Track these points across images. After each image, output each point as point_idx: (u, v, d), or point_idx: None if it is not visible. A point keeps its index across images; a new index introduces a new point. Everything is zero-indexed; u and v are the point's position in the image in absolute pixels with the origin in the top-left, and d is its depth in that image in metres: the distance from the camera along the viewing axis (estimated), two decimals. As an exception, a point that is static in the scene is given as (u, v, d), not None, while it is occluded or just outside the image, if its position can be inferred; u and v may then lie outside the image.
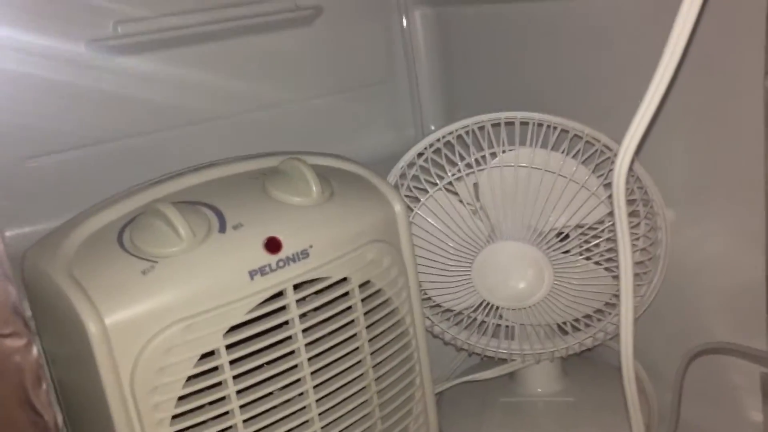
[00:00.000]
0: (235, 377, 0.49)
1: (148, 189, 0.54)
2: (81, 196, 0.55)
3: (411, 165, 0.65)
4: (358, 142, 0.90)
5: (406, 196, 0.64)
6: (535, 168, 0.59)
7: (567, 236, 0.63)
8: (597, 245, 0.62)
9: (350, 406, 0.55)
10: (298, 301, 0.51)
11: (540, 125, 0.61)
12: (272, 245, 0.50)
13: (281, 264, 0.50)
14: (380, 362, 0.57)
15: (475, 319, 0.66)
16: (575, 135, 0.60)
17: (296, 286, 0.51)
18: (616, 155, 0.45)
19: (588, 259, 0.62)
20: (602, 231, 0.62)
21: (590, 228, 0.62)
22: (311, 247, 0.52)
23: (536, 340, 0.67)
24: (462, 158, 0.62)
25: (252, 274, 0.49)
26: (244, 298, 0.49)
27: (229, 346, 0.48)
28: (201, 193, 0.53)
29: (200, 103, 0.70)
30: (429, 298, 0.66)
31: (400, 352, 0.59)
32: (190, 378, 0.48)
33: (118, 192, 0.54)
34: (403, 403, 0.59)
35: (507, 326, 0.67)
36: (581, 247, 0.62)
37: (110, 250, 0.48)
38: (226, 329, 0.48)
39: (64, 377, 0.52)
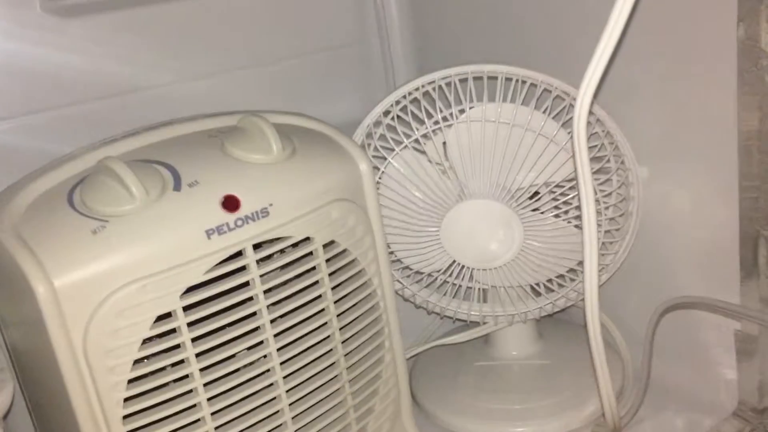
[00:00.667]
0: (193, 340, 0.47)
1: (101, 148, 0.52)
2: (28, 165, 0.52)
3: (377, 124, 0.63)
4: (327, 106, 0.88)
5: (374, 156, 0.62)
6: (503, 123, 0.57)
7: (537, 194, 0.62)
8: (567, 203, 0.61)
9: (316, 369, 0.54)
10: (258, 261, 0.49)
11: (509, 79, 0.59)
12: (230, 203, 0.48)
13: (239, 223, 0.48)
14: (346, 325, 0.56)
15: (445, 281, 0.65)
16: (544, 90, 0.59)
17: (256, 246, 0.49)
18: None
19: (558, 217, 0.61)
20: (572, 188, 0.60)
21: (559, 185, 0.60)
22: (271, 205, 0.50)
23: (509, 302, 0.66)
24: (429, 116, 0.60)
25: (209, 233, 0.47)
26: (201, 258, 0.47)
27: (186, 308, 0.47)
28: (156, 152, 0.51)
29: (158, 68, 0.68)
30: (398, 260, 0.65)
31: (367, 314, 0.57)
32: (146, 341, 0.46)
33: (69, 152, 0.52)
34: (371, 367, 0.58)
35: (478, 288, 0.65)
36: (551, 204, 0.61)
37: (60, 210, 0.46)
38: (183, 290, 0.47)
39: (17, 341, 0.51)
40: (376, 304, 0.58)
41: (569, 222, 0.61)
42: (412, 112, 0.61)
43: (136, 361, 0.46)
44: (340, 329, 0.55)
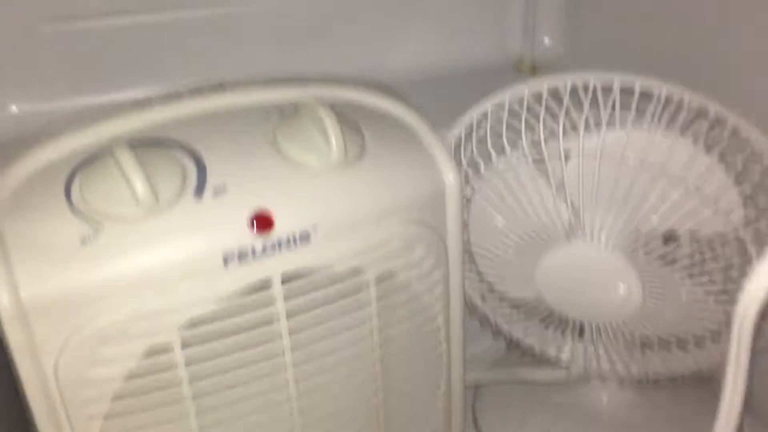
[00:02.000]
0: (192, 379, 0.39)
1: (129, 113, 0.42)
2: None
3: (481, 121, 0.49)
4: (441, 46, 0.75)
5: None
6: (651, 162, 0.43)
7: (674, 240, 0.47)
8: (711, 260, 0.46)
9: (344, 419, 0.44)
10: (287, 294, 0.39)
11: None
12: (261, 222, 0.38)
13: (269, 249, 0.38)
14: (394, 367, 0.45)
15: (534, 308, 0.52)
16: (717, 122, 0.43)
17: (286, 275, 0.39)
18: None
19: (692, 277, 0.46)
20: (723, 245, 0.46)
21: (705, 239, 0.46)
22: (315, 227, 0.39)
23: (607, 354, 0.53)
24: (553, 119, 0.46)
25: (227, 259, 0.37)
26: (212, 287, 0.37)
27: (186, 342, 0.38)
28: (190, 130, 0.41)
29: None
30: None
31: (423, 357, 0.47)
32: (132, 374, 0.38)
33: (92, 113, 0.42)
34: (418, 412, 0.48)
35: (573, 323, 0.52)
36: (688, 260, 0.46)
37: (53, 200, 0.37)
38: (184, 322, 0.37)
39: None
40: (437, 344, 0.47)
41: (707, 290, 0.46)
42: (527, 120, 0.46)
43: (117, 397, 0.38)
44: (384, 373, 0.45)
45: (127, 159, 0.36)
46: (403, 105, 0.47)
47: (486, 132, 0.47)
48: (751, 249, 0.43)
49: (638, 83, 0.42)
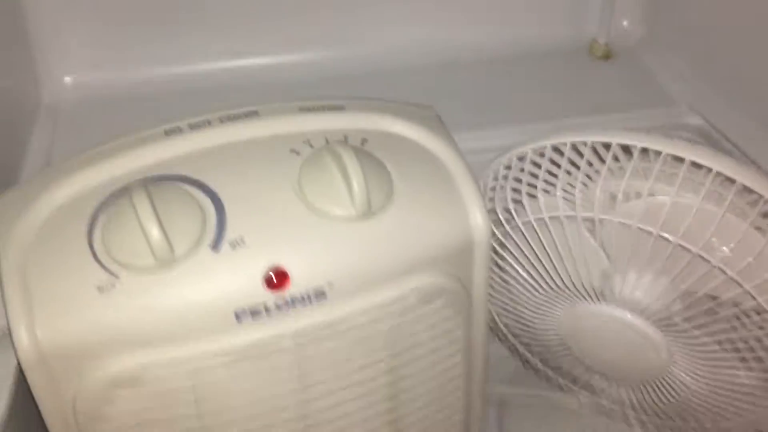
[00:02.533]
0: (203, 418, 0.40)
1: (157, 142, 0.41)
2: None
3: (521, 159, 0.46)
4: (514, 22, 0.71)
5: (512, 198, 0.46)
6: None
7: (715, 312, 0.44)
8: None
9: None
10: (299, 344, 0.39)
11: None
12: (276, 280, 0.37)
13: (283, 306, 0.38)
14: (407, 400, 0.45)
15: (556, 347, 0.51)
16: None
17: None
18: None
19: (727, 351, 0.44)
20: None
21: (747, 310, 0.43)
22: (331, 285, 0.38)
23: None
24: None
25: (239, 315, 0.37)
26: (225, 341, 0.38)
27: (198, 387, 0.38)
28: (215, 167, 0.40)
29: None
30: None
31: (438, 390, 0.46)
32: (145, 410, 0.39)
33: (117, 139, 0.42)
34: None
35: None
36: (726, 332, 0.43)
37: (75, 244, 0.37)
38: (195, 371, 0.38)
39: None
40: (455, 388, 0.47)
41: (743, 365, 0.44)
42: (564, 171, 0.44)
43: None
44: (396, 408, 0.45)
45: (144, 209, 0.36)
46: (440, 135, 0.45)
47: (517, 178, 0.45)
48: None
49: (688, 155, 0.38)
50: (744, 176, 0.36)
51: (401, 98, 0.65)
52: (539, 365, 0.54)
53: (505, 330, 0.52)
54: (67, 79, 0.66)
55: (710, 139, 0.64)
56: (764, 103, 0.61)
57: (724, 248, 0.38)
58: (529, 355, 0.53)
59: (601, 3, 0.74)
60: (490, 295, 0.50)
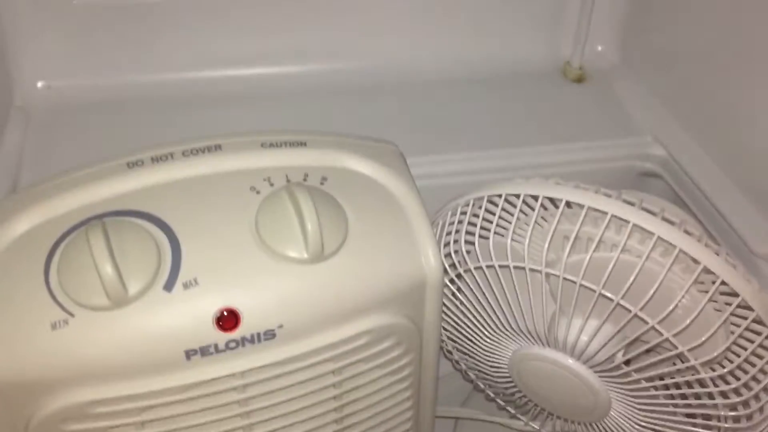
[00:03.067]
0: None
1: (119, 174, 0.42)
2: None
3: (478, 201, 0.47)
4: (489, 42, 0.72)
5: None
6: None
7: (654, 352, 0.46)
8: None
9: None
10: (248, 382, 0.40)
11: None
12: (226, 320, 0.38)
13: (233, 345, 0.39)
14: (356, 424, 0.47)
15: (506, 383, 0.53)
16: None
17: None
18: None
19: (673, 398, 0.45)
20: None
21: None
22: (281, 327, 0.39)
23: None
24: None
25: (189, 354, 0.38)
26: (175, 378, 0.39)
27: (147, 422, 0.40)
28: (174, 202, 0.41)
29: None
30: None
31: (388, 418, 0.48)
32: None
33: (90, 164, 0.42)
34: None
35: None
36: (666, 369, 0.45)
37: (31, 279, 0.38)
38: (145, 407, 0.39)
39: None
40: (405, 410, 0.48)
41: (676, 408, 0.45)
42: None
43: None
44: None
45: (99, 247, 0.37)
46: (399, 174, 0.46)
47: (472, 221, 0.46)
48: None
49: (633, 216, 0.39)
50: (685, 245, 0.38)
51: (369, 118, 0.67)
52: (490, 394, 0.55)
53: (456, 361, 0.53)
54: (40, 84, 0.66)
55: (671, 172, 0.66)
56: (726, 141, 0.62)
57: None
58: (480, 385, 0.54)
59: (576, 26, 0.75)
60: (443, 328, 0.51)
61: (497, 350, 0.48)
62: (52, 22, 0.65)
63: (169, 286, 0.38)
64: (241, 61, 0.70)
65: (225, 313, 0.38)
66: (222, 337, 0.38)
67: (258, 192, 0.42)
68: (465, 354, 0.52)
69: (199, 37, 0.69)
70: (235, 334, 0.39)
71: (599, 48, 0.77)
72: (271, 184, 0.43)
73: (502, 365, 0.49)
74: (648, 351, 0.42)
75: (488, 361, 0.50)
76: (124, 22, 0.65)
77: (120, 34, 0.66)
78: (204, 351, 0.38)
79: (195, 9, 0.68)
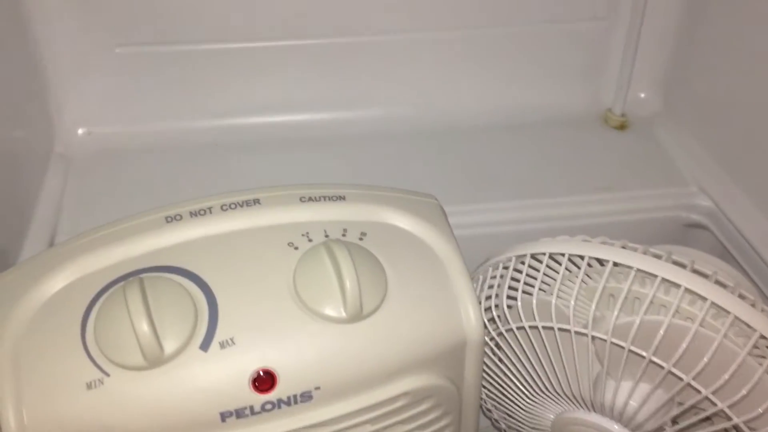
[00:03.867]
0: None
1: (157, 229, 0.42)
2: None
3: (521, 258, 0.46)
4: (528, 89, 0.71)
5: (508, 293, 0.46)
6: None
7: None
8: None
9: None
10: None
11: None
12: (263, 382, 0.38)
13: (268, 407, 0.38)
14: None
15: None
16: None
17: (286, 428, 0.39)
18: None
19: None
20: None
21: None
22: (317, 389, 0.38)
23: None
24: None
25: (225, 416, 0.37)
26: (208, 441, 0.38)
27: (181, 483, 0.39)
28: (212, 259, 0.41)
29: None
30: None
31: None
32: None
33: (128, 217, 0.42)
34: None
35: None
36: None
37: (68, 337, 0.38)
38: (178, 469, 0.38)
39: None
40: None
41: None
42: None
43: None
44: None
45: (136, 305, 0.36)
46: (439, 229, 0.45)
47: (515, 277, 0.45)
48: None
49: (684, 281, 0.38)
50: (739, 310, 0.36)
51: (408, 166, 0.66)
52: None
53: (496, 420, 0.52)
54: (81, 131, 0.67)
55: (718, 224, 0.64)
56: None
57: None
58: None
59: (619, 73, 0.73)
60: (482, 387, 0.50)
61: (539, 412, 0.47)
62: (94, 70, 0.66)
63: (205, 346, 0.38)
64: (281, 108, 0.70)
65: (261, 374, 0.38)
66: (258, 399, 0.38)
67: (296, 248, 0.42)
68: (505, 414, 0.50)
69: (239, 85, 0.69)
70: (272, 395, 0.38)
71: (642, 95, 0.76)
72: (310, 240, 0.42)
73: (544, 428, 0.47)
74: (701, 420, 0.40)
75: (529, 423, 0.48)
76: (165, 70, 0.66)
77: (160, 82, 0.67)
78: (239, 413, 0.37)
79: (235, 57, 0.68)
